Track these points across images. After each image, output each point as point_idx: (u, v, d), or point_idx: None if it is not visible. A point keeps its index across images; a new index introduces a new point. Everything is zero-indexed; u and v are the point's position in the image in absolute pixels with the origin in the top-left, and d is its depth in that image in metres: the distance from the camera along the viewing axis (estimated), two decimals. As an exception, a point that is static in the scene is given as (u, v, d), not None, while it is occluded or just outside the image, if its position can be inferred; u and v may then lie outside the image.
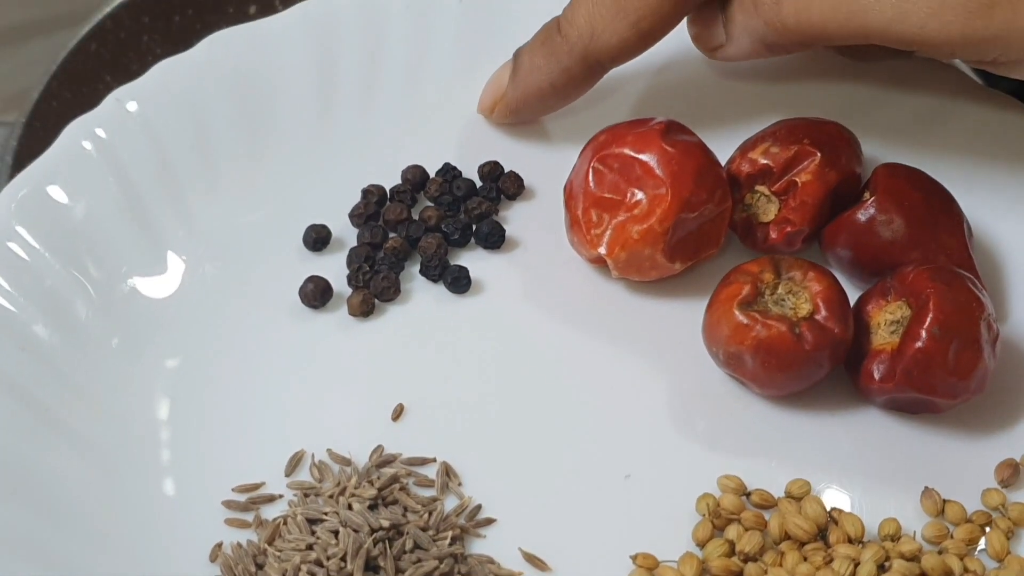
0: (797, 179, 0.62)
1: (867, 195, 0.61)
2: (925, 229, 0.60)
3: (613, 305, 0.62)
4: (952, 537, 0.54)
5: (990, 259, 0.63)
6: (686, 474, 0.56)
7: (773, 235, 0.63)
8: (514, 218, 0.66)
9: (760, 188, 0.63)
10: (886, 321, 0.58)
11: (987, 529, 0.54)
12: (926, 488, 0.55)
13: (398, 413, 0.58)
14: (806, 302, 0.57)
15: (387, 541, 0.52)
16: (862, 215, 0.61)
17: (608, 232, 0.61)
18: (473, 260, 0.64)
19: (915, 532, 0.54)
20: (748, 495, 0.55)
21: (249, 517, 0.54)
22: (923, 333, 0.55)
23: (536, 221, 0.66)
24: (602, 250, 0.61)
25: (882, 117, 0.67)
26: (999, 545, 0.53)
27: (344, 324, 0.61)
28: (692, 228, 0.61)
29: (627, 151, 0.61)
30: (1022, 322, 0.61)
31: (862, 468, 0.57)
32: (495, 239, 0.64)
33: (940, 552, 0.53)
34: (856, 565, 0.51)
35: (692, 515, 0.55)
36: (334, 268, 0.63)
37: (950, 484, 0.56)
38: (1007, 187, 0.65)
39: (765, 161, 0.63)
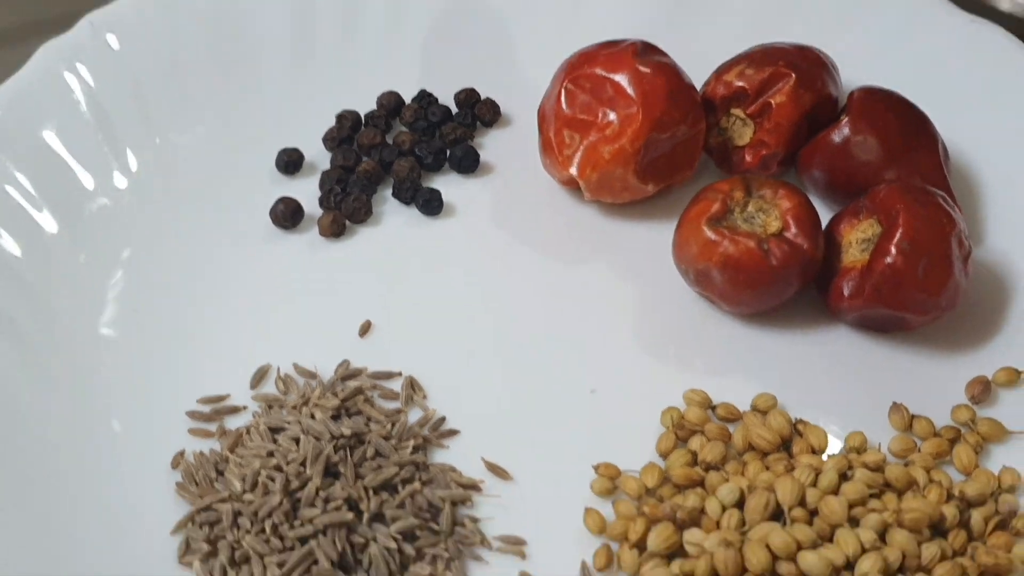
0: (772, 101, 0.62)
1: (843, 117, 0.61)
2: (900, 150, 0.60)
3: (585, 228, 0.62)
4: (919, 451, 0.53)
5: (968, 183, 0.63)
6: (653, 390, 0.56)
7: (748, 159, 0.62)
8: (490, 145, 0.66)
9: (735, 111, 0.63)
10: (857, 240, 0.57)
11: (955, 444, 0.54)
12: (894, 403, 0.55)
13: (365, 329, 0.58)
14: (776, 219, 0.57)
15: (348, 449, 0.52)
16: (836, 136, 0.60)
17: (579, 153, 0.60)
18: (446, 184, 0.64)
19: (880, 444, 0.53)
20: (714, 409, 0.55)
21: (213, 427, 0.54)
22: (892, 249, 0.55)
23: (512, 148, 0.65)
24: (573, 171, 0.60)
25: (860, 42, 0.67)
26: (967, 459, 0.53)
27: (314, 244, 0.61)
28: (665, 149, 0.61)
29: (599, 71, 0.61)
30: (997, 245, 0.61)
31: (831, 386, 0.56)
32: (469, 163, 0.64)
33: (906, 465, 0.52)
34: (818, 474, 0.50)
35: (657, 429, 0.54)
36: (307, 192, 0.63)
37: (920, 401, 0.55)
38: (989, 114, 0.64)
39: (740, 83, 0.62)
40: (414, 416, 0.55)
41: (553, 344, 0.57)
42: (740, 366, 0.57)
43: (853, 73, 0.64)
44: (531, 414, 0.55)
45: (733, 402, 0.55)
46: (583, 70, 0.61)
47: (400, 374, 0.56)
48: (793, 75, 0.61)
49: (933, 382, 0.56)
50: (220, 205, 0.62)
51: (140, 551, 0.50)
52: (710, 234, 0.56)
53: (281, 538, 0.49)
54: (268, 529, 0.49)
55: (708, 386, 0.55)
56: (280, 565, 0.48)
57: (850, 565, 0.47)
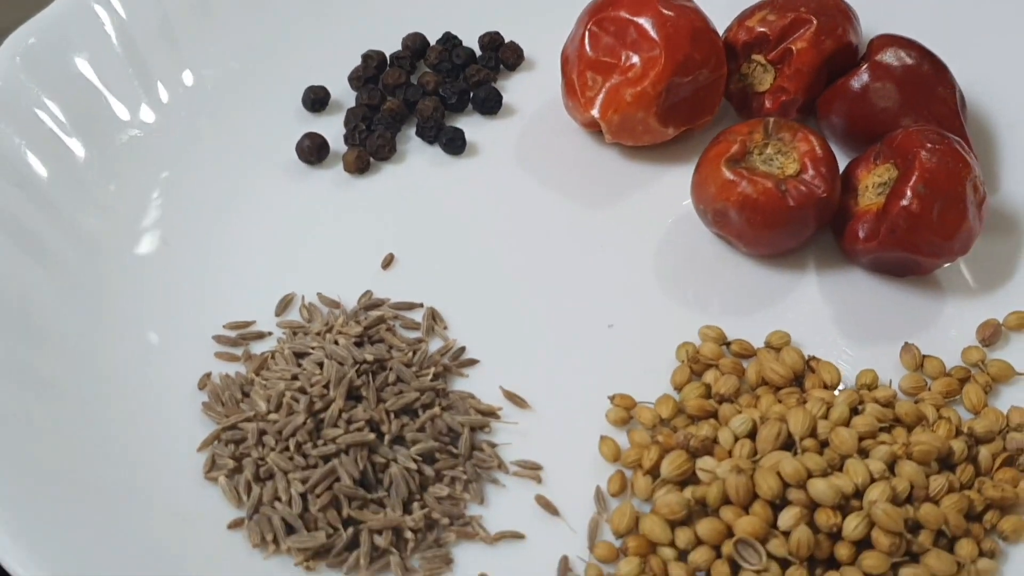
0: (793, 47, 0.62)
1: (862, 64, 0.61)
2: (917, 97, 0.60)
3: (606, 169, 0.63)
4: (929, 389, 0.54)
5: (986, 133, 0.63)
6: (669, 327, 0.56)
7: (768, 104, 0.63)
8: (513, 88, 0.67)
9: (756, 57, 0.63)
10: (873, 184, 0.58)
11: (965, 384, 0.54)
12: (906, 343, 0.56)
13: (388, 262, 0.59)
14: (794, 162, 0.58)
15: (370, 374, 0.53)
16: (855, 82, 0.61)
17: (602, 95, 0.61)
18: (470, 125, 0.65)
19: (891, 381, 0.54)
20: (728, 345, 0.56)
21: (238, 352, 0.55)
22: (908, 191, 0.55)
23: (534, 91, 0.66)
24: (595, 113, 0.61)
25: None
26: (976, 398, 0.54)
27: (339, 180, 0.62)
28: (686, 93, 0.61)
29: (623, 14, 0.61)
30: (1012, 193, 0.61)
31: (844, 326, 0.57)
32: (492, 104, 0.65)
33: (916, 402, 0.53)
34: (829, 408, 0.51)
35: (673, 364, 0.55)
36: (333, 129, 0.64)
37: (931, 342, 0.56)
38: (1008, 64, 0.65)
39: (761, 29, 0.63)
40: (435, 345, 0.56)
41: (571, 280, 0.59)
42: (755, 306, 0.58)
43: (873, 21, 0.64)
44: (549, 346, 0.56)
45: (748, 339, 0.56)
46: (607, 12, 0.62)
47: (421, 305, 0.57)
48: (815, 21, 0.62)
49: (945, 324, 0.57)
50: (248, 140, 0.63)
51: (166, 467, 0.51)
52: (728, 174, 0.57)
53: (304, 456, 0.50)
54: (292, 447, 0.50)
55: (724, 324, 0.56)
56: (303, 481, 0.49)
57: (859, 494, 0.48)
